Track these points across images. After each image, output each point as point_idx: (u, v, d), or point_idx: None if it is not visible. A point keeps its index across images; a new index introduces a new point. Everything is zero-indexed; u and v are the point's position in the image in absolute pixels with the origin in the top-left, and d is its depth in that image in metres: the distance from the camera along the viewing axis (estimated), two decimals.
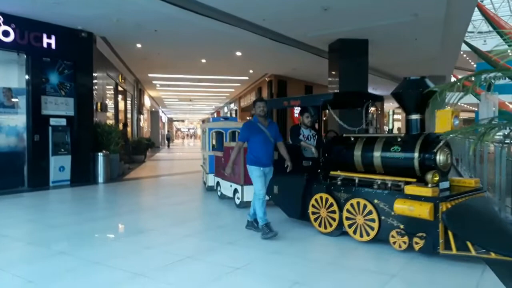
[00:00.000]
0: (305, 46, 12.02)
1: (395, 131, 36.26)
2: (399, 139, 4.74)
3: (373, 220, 4.59)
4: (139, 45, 12.20)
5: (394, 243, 4.36)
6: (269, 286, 3.49)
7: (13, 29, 9.01)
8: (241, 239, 5.06)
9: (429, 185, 4.20)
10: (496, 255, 3.68)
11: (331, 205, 5.05)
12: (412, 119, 4.77)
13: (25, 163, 9.51)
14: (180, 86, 22.26)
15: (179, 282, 3.56)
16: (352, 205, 4.82)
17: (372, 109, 5.81)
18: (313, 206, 5.28)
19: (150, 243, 4.94)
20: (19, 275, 3.78)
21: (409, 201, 4.23)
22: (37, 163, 9.56)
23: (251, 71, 17.64)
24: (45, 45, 9.64)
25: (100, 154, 10.57)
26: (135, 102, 20.37)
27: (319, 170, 5.35)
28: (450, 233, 4.00)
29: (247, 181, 6.32)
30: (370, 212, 4.62)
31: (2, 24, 8.86)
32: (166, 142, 37.26)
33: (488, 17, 11.18)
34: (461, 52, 15.65)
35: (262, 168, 5.14)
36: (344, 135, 5.65)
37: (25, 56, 9.46)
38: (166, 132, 42.26)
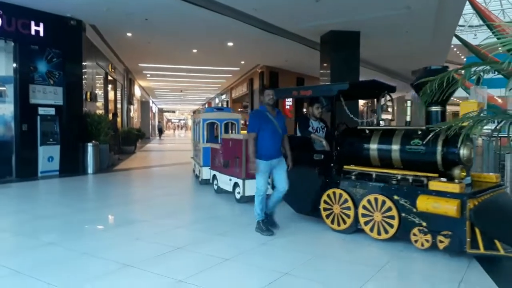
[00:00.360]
0: (297, 37, 11.98)
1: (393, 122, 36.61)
2: (419, 132, 4.42)
3: (392, 217, 4.35)
4: (129, 34, 12.05)
5: (416, 241, 4.13)
6: (258, 277, 3.51)
7: (0, 15, 8.82)
8: (232, 231, 5.07)
9: (456, 181, 4.01)
10: None
11: (346, 201, 4.81)
12: (432, 110, 4.53)
13: (13, 153, 9.39)
14: (171, 76, 22.08)
15: (168, 272, 3.56)
16: (369, 201, 4.57)
17: (385, 99, 5.49)
18: (325, 202, 5.03)
19: (140, 234, 4.92)
20: (6, 265, 3.75)
21: (433, 197, 4.02)
22: (25, 153, 9.45)
23: (242, 62, 17.56)
24: (33, 32, 9.46)
25: (89, 144, 10.47)
26: (125, 92, 20.16)
27: (332, 164, 5.05)
28: (477, 231, 3.81)
29: (249, 175, 6.15)
30: (389, 209, 4.38)
31: None
32: (158, 133, 37.02)
33: (478, 11, 11.23)
34: (452, 46, 15.74)
35: (269, 162, 4.81)
36: (358, 127, 5.34)
37: (12, 44, 9.29)
38: (157, 123, 42.28)
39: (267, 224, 4.87)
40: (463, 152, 4.22)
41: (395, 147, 4.65)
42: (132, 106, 23.25)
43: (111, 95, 16.46)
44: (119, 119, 17.79)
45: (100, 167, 10.80)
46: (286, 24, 10.84)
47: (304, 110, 6.34)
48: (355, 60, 11.15)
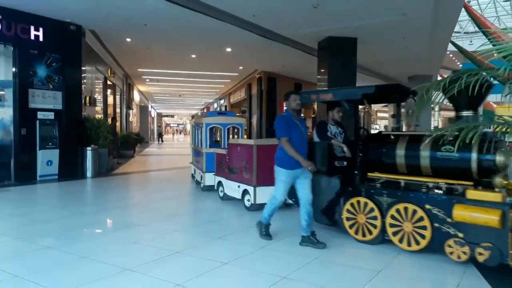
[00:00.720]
0: (294, 43, 12.07)
1: (381, 129, 36.53)
2: (451, 138, 4.08)
3: (424, 228, 4.12)
4: (128, 39, 12.12)
5: (451, 253, 3.91)
6: (257, 281, 3.54)
7: None
8: (231, 234, 5.10)
9: (497, 190, 3.83)
10: None
11: (371, 210, 4.56)
12: (463, 115, 4.33)
13: (11, 157, 9.41)
14: (169, 81, 22.15)
15: (167, 276, 3.59)
16: (398, 210, 4.33)
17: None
18: (348, 211, 4.77)
19: (138, 238, 4.95)
20: (4, 269, 3.77)
21: (471, 207, 3.80)
22: (24, 157, 9.47)
23: (241, 68, 17.65)
24: (32, 37, 9.52)
25: (88, 148, 10.50)
26: (124, 96, 20.22)
27: (355, 172, 4.81)
28: None
29: (261, 182, 6.07)
30: (420, 219, 4.15)
31: None
32: (158, 137, 37.84)
33: (474, 18, 11.35)
34: (448, 52, 15.87)
35: (292, 171, 4.53)
36: (382, 132, 5.22)
37: (12, 48, 9.34)
38: (158, 128, 43.25)
39: (268, 229, 4.80)
40: (500, 159, 3.95)
41: (424, 153, 4.39)
42: (131, 110, 23.30)
43: (110, 99, 16.51)
44: (118, 124, 17.83)
45: (99, 171, 10.83)
46: (284, 30, 10.93)
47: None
48: (352, 66, 11.24)
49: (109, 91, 16.11)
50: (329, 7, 8.71)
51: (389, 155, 4.72)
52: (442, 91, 4.28)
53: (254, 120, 19.21)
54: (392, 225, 4.40)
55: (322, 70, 11.54)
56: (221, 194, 7.35)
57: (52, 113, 9.98)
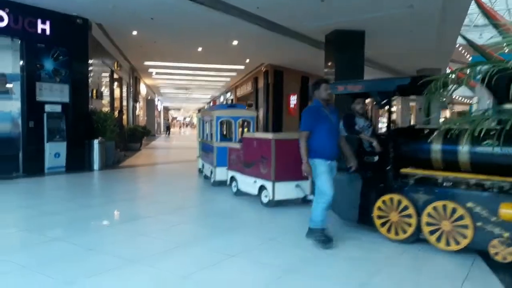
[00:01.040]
0: (301, 36, 11.99)
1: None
2: (492, 132, 3.77)
3: (465, 227, 3.93)
4: (135, 33, 12.11)
5: (496, 254, 3.73)
6: (264, 273, 3.55)
7: (7, 13, 8.90)
8: (239, 227, 5.12)
9: None
10: None
11: (406, 208, 4.35)
12: (507, 109, 4.05)
13: (20, 150, 9.48)
14: (176, 74, 22.15)
15: (173, 268, 3.62)
16: (435, 208, 4.13)
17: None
18: (379, 209, 4.57)
19: (145, 230, 4.99)
20: (13, 260, 3.82)
21: None
22: (32, 150, 9.54)
23: (247, 61, 17.59)
24: (39, 30, 9.54)
25: (95, 141, 10.55)
26: (131, 90, 20.27)
27: (388, 167, 4.57)
28: None
29: (280, 177, 5.90)
30: (461, 217, 3.95)
31: None
32: (166, 130, 39.22)
33: (484, 11, 11.17)
34: (457, 45, 15.68)
35: (330, 162, 4.31)
36: (416, 126, 5.01)
37: (19, 42, 9.37)
38: (166, 121, 44.89)
39: (326, 235, 4.31)
40: None
41: (464, 148, 4.13)
42: (137, 103, 23.37)
43: (116, 92, 16.56)
44: (124, 117, 17.90)
45: (106, 163, 10.88)
46: (291, 23, 10.86)
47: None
48: (360, 59, 11.15)
49: (115, 84, 16.15)
50: (336, 0, 8.63)
51: (423, 150, 4.45)
52: (484, 84, 4.01)
53: (261, 113, 19.18)
54: (428, 224, 4.18)
55: (329, 64, 11.46)
56: (235, 190, 7.11)
57: (60, 106, 10.03)
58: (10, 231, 5.00)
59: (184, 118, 78.00)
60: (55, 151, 9.84)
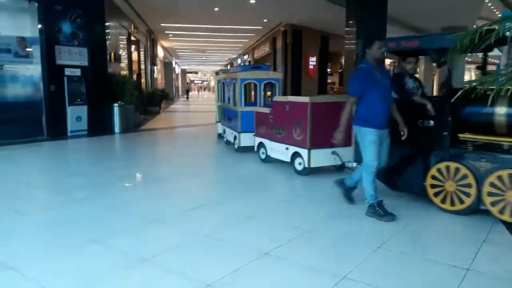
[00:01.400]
0: None
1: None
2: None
3: None
4: None
5: None
6: (281, 232, 3.61)
7: None
8: (257, 190, 5.18)
9: None
10: None
11: (464, 177, 4.02)
12: None
13: (43, 113, 9.69)
14: (193, 36, 21.84)
15: (193, 227, 3.70)
16: (499, 178, 3.79)
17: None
18: (433, 177, 4.24)
19: (166, 191, 5.10)
20: (41, 219, 3.99)
21: None
22: (54, 113, 9.73)
23: (265, 20, 17.15)
24: None
25: (115, 104, 10.66)
26: (148, 52, 20.16)
27: (445, 133, 4.17)
28: None
29: (316, 144, 5.55)
30: None
31: None
32: (186, 94, 40.17)
33: None
34: (486, 1, 14.85)
35: (380, 131, 3.97)
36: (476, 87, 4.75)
37: (36, 4, 9.34)
38: (186, 85, 47.00)
39: (384, 207, 4.00)
40: None
41: None
42: (155, 67, 23.32)
43: (134, 55, 16.51)
44: (143, 80, 17.94)
45: (126, 127, 11.04)
46: None
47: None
48: (383, 17, 10.70)
49: (133, 47, 16.07)
50: None
51: (485, 113, 4.02)
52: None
53: None
54: (491, 194, 3.86)
55: (351, 22, 11.05)
56: (263, 156, 6.77)
57: (79, 70, 10.10)
58: (36, 191, 5.19)
59: (202, 82, 77.68)
60: (76, 115, 10.01)
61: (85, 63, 10.21)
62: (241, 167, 6.70)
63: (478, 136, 4.13)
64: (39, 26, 9.43)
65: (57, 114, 9.74)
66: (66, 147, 8.91)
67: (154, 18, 16.65)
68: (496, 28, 3.63)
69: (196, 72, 65.31)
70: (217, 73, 13.35)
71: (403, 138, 4.15)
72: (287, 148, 6.05)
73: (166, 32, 20.65)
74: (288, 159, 6.06)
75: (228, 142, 8.50)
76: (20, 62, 9.33)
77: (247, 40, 23.97)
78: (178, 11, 14.83)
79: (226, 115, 8.60)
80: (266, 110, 6.65)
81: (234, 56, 34.78)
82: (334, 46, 19.76)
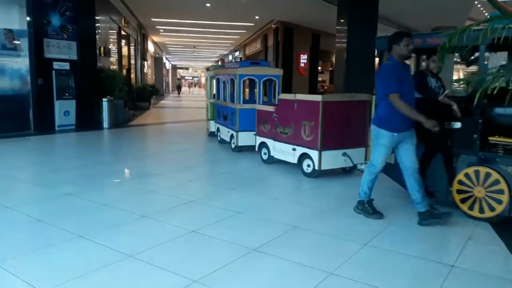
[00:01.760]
0: None
1: None
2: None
3: None
4: None
5: None
6: (269, 228, 3.62)
7: None
8: (245, 186, 5.18)
9: None
10: None
11: (496, 182, 3.77)
12: None
13: (30, 107, 9.56)
14: (184, 31, 21.74)
15: (182, 223, 3.70)
16: None
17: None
18: (460, 183, 3.99)
19: (154, 187, 5.08)
20: (28, 214, 3.93)
21: None
22: (42, 107, 9.61)
23: (257, 17, 17.13)
24: None
25: (104, 99, 10.56)
26: (139, 47, 20.00)
27: (475, 135, 3.90)
28: None
29: (327, 145, 5.30)
30: None
31: None
32: (178, 89, 40.09)
33: None
34: (476, 2, 15.03)
35: (398, 135, 3.73)
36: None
37: None
38: (177, 80, 46.49)
39: (373, 205, 3.98)
40: None
41: None
42: (145, 62, 23.14)
43: (124, 50, 16.37)
44: (133, 75, 17.79)
45: (115, 122, 10.95)
46: None
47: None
48: (374, 16, 10.77)
49: (123, 41, 15.93)
50: None
51: None
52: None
53: None
54: None
55: (342, 21, 11.10)
56: (265, 157, 6.43)
57: (68, 64, 9.98)
58: (24, 186, 5.13)
59: (193, 78, 77.32)
60: (64, 109, 9.90)
61: (74, 57, 10.09)
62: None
63: (506, 139, 3.90)
64: (28, 18, 9.28)
65: (44, 108, 9.61)
66: (54, 141, 8.81)
67: (145, 13, 16.52)
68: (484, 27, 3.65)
69: (187, 68, 64.98)
70: (207, 69, 13.17)
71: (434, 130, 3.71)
72: (294, 149, 5.74)
73: (157, 27, 20.50)
74: (294, 161, 5.75)
75: (222, 141, 8.14)
76: (8, 55, 9.18)
77: (238, 37, 23.92)
78: (169, 6, 14.73)
79: (221, 112, 8.19)
80: (270, 108, 6.32)
81: (225, 52, 34.69)
82: (325, 44, 19.84)
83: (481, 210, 3.90)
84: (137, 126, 11.57)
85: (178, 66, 59.26)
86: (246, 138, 7.12)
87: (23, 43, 9.37)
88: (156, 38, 25.80)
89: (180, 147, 8.21)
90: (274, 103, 7.07)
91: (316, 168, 5.37)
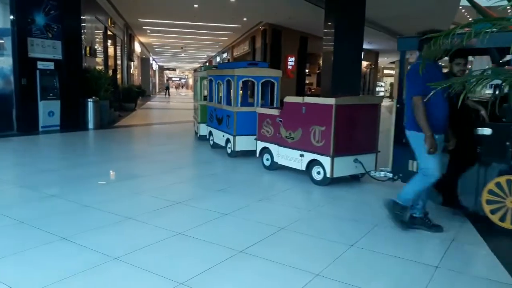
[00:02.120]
0: None
1: (388, 87, 35.70)
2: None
3: None
4: None
5: None
6: (256, 231, 3.61)
7: None
8: (232, 187, 5.16)
9: None
10: None
11: None
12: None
13: (13, 107, 9.38)
14: (171, 32, 21.64)
15: (167, 225, 3.66)
16: None
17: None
18: (491, 192, 3.77)
19: (140, 188, 5.02)
20: (11, 216, 3.84)
21: None
22: (25, 108, 9.43)
23: (245, 19, 17.14)
24: None
25: (89, 100, 10.43)
26: (125, 48, 19.82)
27: (508, 143, 3.71)
28: None
29: (340, 151, 5.00)
30: None
31: None
32: (166, 90, 39.54)
33: None
34: (460, 7, 15.31)
35: (440, 136, 3.53)
36: None
37: None
38: (166, 82, 46.35)
39: (405, 214, 3.68)
40: None
41: None
42: (132, 62, 22.94)
43: (110, 50, 16.20)
44: (119, 76, 17.62)
45: (100, 123, 10.81)
46: None
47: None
48: (361, 20, 10.87)
49: (109, 42, 15.77)
50: None
51: None
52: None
53: None
54: None
55: (329, 24, 11.17)
56: (267, 163, 6.09)
57: (52, 63, 9.82)
58: (6, 187, 5.01)
59: (180, 79, 77.00)
60: (48, 110, 9.74)
61: (59, 56, 9.94)
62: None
63: None
64: (11, 16, 9.11)
65: (28, 108, 9.44)
66: (37, 142, 8.66)
67: (132, 13, 16.39)
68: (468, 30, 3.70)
69: (174, 69, 64.68)
70: (195, 70, 13.05)
71: (450, 148, 3.76)
72: (301, 155, 5.43)
73: (144, 27, 20.36)
74: (302, 168, 5.44)
75: (215, 146, 7.73)
76: None
77: (226, 38, 23.90)
78: (157, 7, 14.64)
79: (214, 115, 7.74)
80: (273, 111, 5.97)
81: (213, 54, 34.63)
82: (312, 47, 19.95)
83: None
84: (123, 127, 11.44)
85: (165, 67, 58.93)
86: (244, 143, 6.75)
87: (6, 42, 9.20)
88: (143, 39, 25.61)
89: (166, 148, 8.13)
90: (272, 106, 6.92)
91: (328, 175, 5.06)
